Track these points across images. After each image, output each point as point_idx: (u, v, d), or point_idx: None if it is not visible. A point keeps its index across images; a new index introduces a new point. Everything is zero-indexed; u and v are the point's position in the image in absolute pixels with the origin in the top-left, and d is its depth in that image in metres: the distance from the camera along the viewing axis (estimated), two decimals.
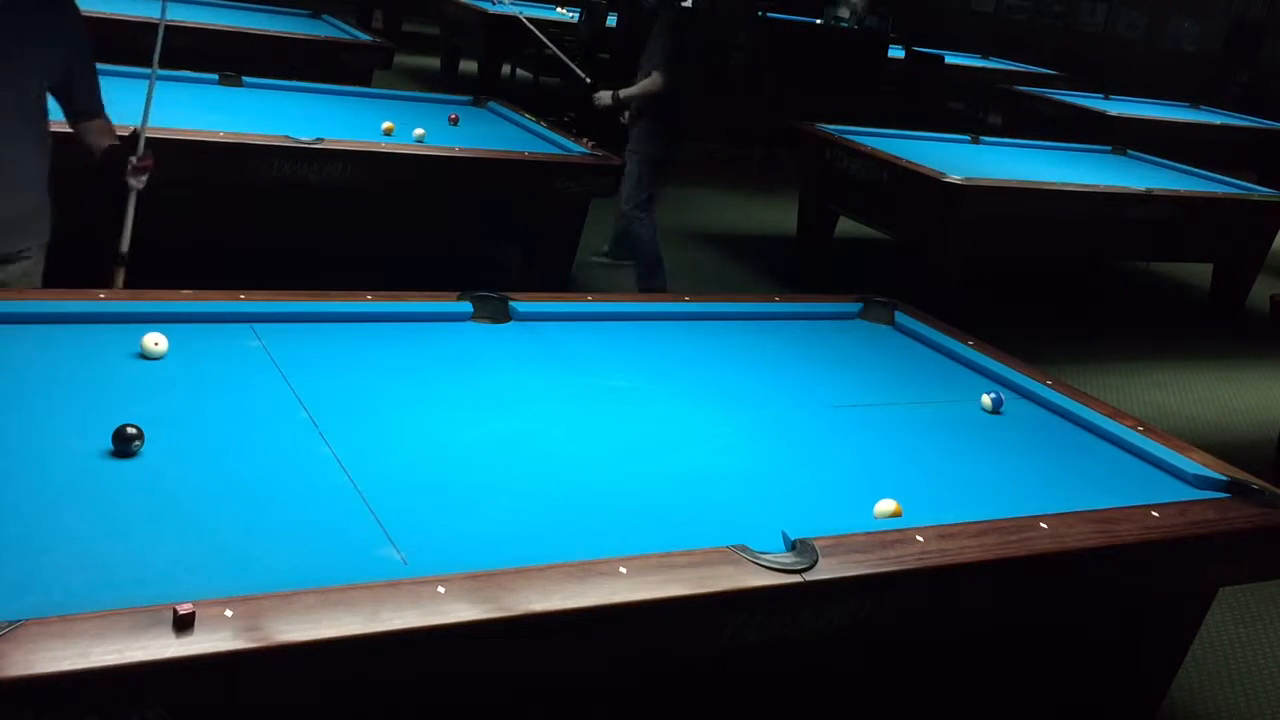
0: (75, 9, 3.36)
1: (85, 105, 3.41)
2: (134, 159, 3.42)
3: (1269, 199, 7.36)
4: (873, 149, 6.55)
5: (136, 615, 1.67)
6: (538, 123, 5.83)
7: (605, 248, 6.55)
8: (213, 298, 3.01)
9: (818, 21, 12.86)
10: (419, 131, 5.08)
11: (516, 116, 6.00)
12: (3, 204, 3.13)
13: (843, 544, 2.20)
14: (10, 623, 1.61)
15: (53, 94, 3.32)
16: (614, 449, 2.62)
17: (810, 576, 2.09)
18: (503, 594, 1.88)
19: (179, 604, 1.68)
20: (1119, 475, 2.85)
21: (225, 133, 4.53)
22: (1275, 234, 7.62)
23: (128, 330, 2.75)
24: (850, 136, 6.84)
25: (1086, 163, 7.62)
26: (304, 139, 4.56)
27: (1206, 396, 6.03)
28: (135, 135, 3.47)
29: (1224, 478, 2.79)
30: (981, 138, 7.88)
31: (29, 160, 3.20)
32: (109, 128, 3.47)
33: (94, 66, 3.42)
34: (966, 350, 3.50)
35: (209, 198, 4.56)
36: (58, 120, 3.37)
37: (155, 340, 2.68)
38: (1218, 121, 10.94)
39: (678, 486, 2.48)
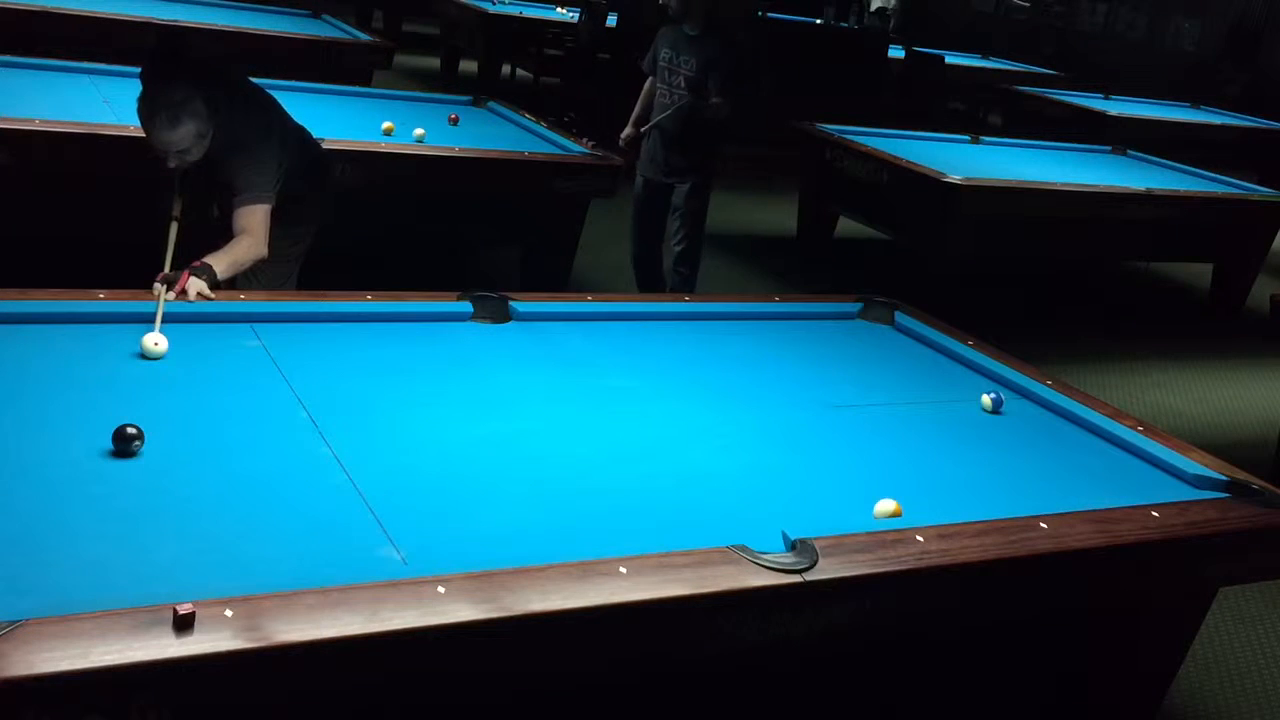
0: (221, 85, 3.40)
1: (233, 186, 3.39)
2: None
3: (1269, 199, 7.36)
4: (873, 149, 6.55)
5: (136, 615, 1.67)
6: (538, 123, 5.83)
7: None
8: (213, 297, 3.01)
9: (818, 21, 12.86)
10: (419, 131, 5.08)
11: (516, 116, 6.00)
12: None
13: (843, 544, 2.19)
14: (10, 623, 1.61)
15: None
16: (614, 449, 2.62)
17: (810, 576, 2.09)
18: (503, 594, 1.88)
19: (179, 604, 1.68)
20: (1119, 475, 2.85)
21: None
22: (1275, 234, 7.62)
23: (128, 330, 2.76)
24: (850, 136, 6.83)
25: (1086, 163, 7.62)
26: None
27: (1206, 396, 6.02)
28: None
29: (1224, 478, 2.79)
30: (981, 138, 7.87)
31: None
32: (246, 226, 3.32)
33: (242, 150, 3.39)
34: (966, 350, 3.50)
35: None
36: None
37: (155, 340, 2.68)
38: (1218, 121, 10.94)
39: (678, 486, 2.48)
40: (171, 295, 2.92)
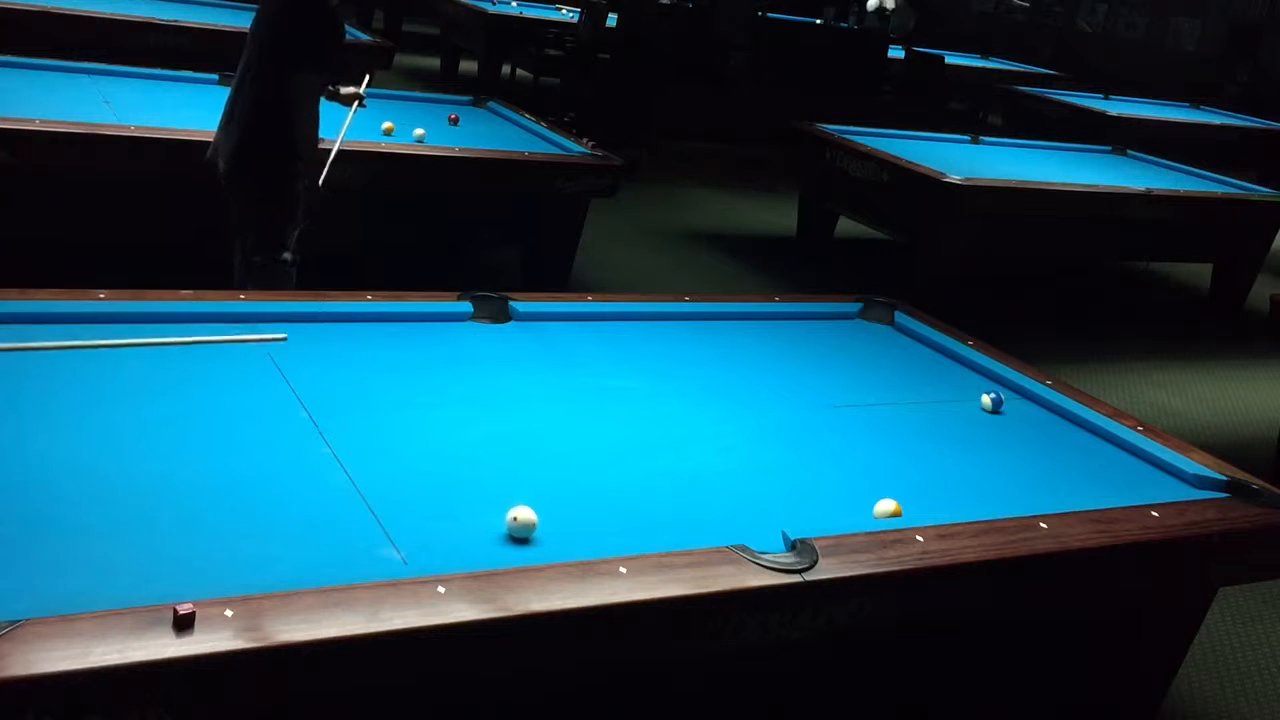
0: None
1: None
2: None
3: (1269, 199, 7.36)
4: (873, 149, 6.55)
5: (136, 615, 1.67)
6: (538, 123, 5.83)
7: None
8: (212, 298, 3.01)
9: (818, 21, 12.86)
10: (419, 131, 5.08)
11: (516, 116, 6.00)
12: None
13: (843, 544, 2.19)
14: (10, 623, 1.61)
15: None
16: (614, 449, 2.62)
17: (810, 576, 2.09)
18: (503, 594, 1.88)
19: (179, 604, 1.68)
20: (1119, 475, 2.85)
21: None
22: (1275, 234, 7.62)
23: (127, 330, 2.75)
24: (850, 136, 6.83)
25: (1086, 163, 7.62)
26: None
27: (1206, 396, 6.02)
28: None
29: (1224, 478, 2.79)
30: (981, 138, 7.88)
31: None
32: None
33: None
34: (966, 350, 3.50)
35: (209, 198, 4.56)
36: None
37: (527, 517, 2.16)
38: (1218, 121, 10.93)
39: (678, 486, 2.48)
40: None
